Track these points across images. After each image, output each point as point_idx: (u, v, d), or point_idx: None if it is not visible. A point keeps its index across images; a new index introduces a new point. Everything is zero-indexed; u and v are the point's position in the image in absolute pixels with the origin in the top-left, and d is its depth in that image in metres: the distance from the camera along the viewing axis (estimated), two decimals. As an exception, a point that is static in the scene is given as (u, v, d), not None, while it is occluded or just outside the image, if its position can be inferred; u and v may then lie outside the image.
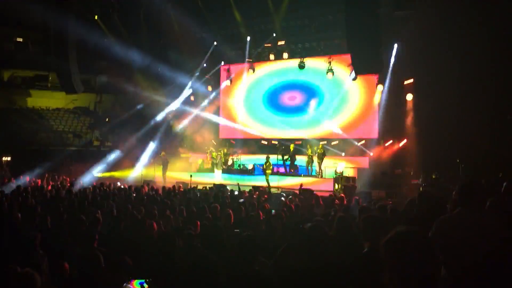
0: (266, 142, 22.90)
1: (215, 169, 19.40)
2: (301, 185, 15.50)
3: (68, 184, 14.88)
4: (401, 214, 5.39)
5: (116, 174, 20.20)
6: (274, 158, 20.39)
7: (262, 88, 23.30)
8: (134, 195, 11.53)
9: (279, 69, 22.73)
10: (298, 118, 22.11)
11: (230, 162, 21.00)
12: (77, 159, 20.51)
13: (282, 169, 20.22)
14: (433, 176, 15.37)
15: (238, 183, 16.53)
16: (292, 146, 20.05)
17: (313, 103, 21.62)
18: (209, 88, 24.17)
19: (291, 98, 22.57)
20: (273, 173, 19.55)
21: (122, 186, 14.35)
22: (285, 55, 21.15)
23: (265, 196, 12.02)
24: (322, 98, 21.62)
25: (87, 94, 26.15)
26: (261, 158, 20.62)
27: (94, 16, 19.93)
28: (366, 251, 3.69)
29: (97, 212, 7.50)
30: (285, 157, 20.04)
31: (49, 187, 14.19)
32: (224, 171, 20.08)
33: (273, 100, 23.06)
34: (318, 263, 3.30)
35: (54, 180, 17.03)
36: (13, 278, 3.31)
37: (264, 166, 18.19)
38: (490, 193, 3.52)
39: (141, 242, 5.78)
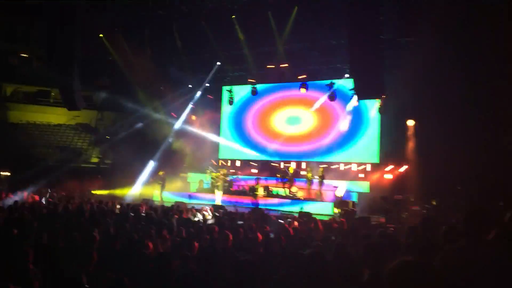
0: (265, 164, 22.84)
1: (216, 191, 19.16)
2: (301, 208, 15.43)
3: (65, 201, 14.73)
4: (402, 241, 5.30)
5: (114, 192, 20.09)
6: (273, 180, 20.38)
7: (264, 109, 23.36)
8: (132, 214, 11.40)
9: (281, 91, 22.81)
10: (299, 141, 22.12)
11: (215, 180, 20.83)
12: (76, 175, 20.40)
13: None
14: (433, 203, 15.27)
15: (235, 205, 16.45)
16: (291, 169, 19.97)
17: (316, 123, 21.69)
18: (211, 109, 24.24)
19: (293, 121, 22.59)
20: (271, 195, 19.49)
21: (119, 205, 14.23)
22: (288, 77, 21.25)
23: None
24: (324, 120, 21.67)
25: (88, 111, 26.22)
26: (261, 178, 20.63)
27: (99, 34, 20.08)
28: (366, 279, 3.62)
29: (95, 230, 7.40)
30: (285, 179, 19.93)
31: (45, 203, 14.09)
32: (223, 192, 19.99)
33: (275, 122, 23.12)
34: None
35: (52, 196, 16.92)
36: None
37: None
38: (493, 222, 3.44)
39: (137, 262, 5.68)
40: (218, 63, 22.04)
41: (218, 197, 18.86)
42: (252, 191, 18.40)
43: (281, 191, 19.97)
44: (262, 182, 19.92)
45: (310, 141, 21.80)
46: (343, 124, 20.87)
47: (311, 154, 21.59)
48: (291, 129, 22.53)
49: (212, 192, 20.13)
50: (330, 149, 21.06)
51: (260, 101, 23.36)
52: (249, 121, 23.74)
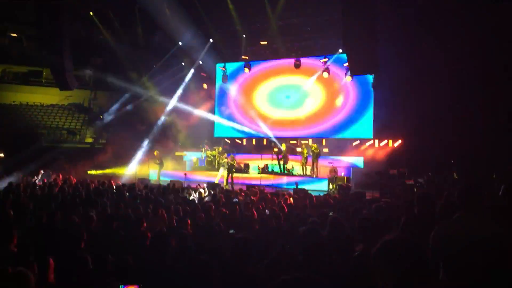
0: (260, 141, 22.86)
1: (221, 168, 18.73)
2: (297, 184, 15.50)
3: (60, 182, 14.72)
4: (398, 216, 5.36)
5: (109, 171, 20.08)
6: (268, 157, 20.42)
7: (257, 86, 23.24)
8: (128, 193, 11.43)
9: (274, 67, 22.68)
10: (292, 117, 22.09)
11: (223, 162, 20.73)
12: (71, 156, 20.35)
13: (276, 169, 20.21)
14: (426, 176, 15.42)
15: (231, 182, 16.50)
16: (284, 146, 19.92)
17: (308, 101, 21.64)
18: (205, 86, 24.05)
19: (286, 97, 22.52)
20: (267, 172, 19.56)
21: (116, 184, 14.24)
22: (281, 53, 21.09)
23: (257, 195, 11.97)
24: (317, 96, 21.62)
25: (81, 90, 25.95)
26: (255, 157, 20.66)
27: (89, 12, 19.77)
28: (357, 255, 3.67)
29: (92, 210, 7.43)
30: (280, 156, 19.96)
31: (41, 184, 14.08)
32: (218, 170, 20.05)
33: (268, 99, 23.02)
34: (312, 266, 3.27)
35: (48, 177, 16.91)
36: (5, 278, 3.22)
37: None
38: (487, 196, 3.49)
39: (134, 242, 5.72)
40: (211, 40, 21.83)
41: (219, 176, 18.56)
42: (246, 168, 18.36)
43: (276, 168, 20.04)
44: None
45: (306, 120, 21.78)
46: (338, 100, 20.88)
47: (306, 130, 21.62)
48: (286, 105, 22.46)
49: (208, 170, 20.21)
50: (326, 125, 21.08)
51: (253, 78, 23.22)
52: (242, 99, 23.62)
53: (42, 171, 17.38)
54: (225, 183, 17.76)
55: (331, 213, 6.86)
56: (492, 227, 3.13)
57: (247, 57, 22.12)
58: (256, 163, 20.59)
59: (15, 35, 26.75)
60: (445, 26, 15.49)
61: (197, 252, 4.69)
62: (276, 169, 20.10)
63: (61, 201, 9.37)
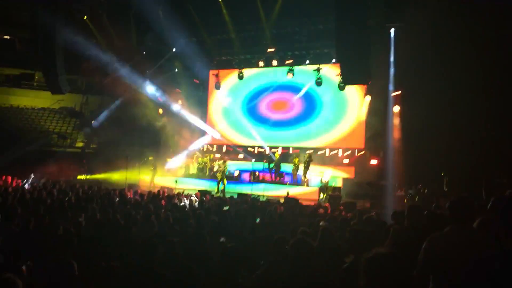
0: (252, 149, 22.87)
1: (219, 175, 18.52)
2: (287, 193, 15.50)
3: (49, 186, 14.58)
4: (387, 227, 5.37)
5: (99, 176, 19.93)
6: (260, 165, 20.41)
7: (251, 94, 23.26)
8: (117, 199, 11.35)
9: (268, 76, 22.73)
10: (285, 126, 22.13)
11: (215, 168, 20.62)
12: (61, 160, 20.17)
13: (268, 177, 20.18)
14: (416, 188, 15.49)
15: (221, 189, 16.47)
16: (277, 154, 19.97)
17: (302, 108, 21.71)
18: (198, 93, 24.04)
19: (280, 106, 22.54)
20: (258, 181, 19.54)
21: (106, 190, 14.13)
22: (275, 62, 21.17)
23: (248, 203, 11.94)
24: (310, 106, 21.68)
25: (73, 94, 25.86)
26: (247, 164, 20.62)
27: (83, 16, 19.72)
28: (346, 266, 3.67)
29: (81, 215, 7.37)
30: (271, 165, 19.97)
31: (30, 188, 13.95)
32: (209, 178, 20.02)
33: (261, 107, 23.05)
34: (301, 278, 3.26)
35: (37, 181, 16.75)
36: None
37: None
38: (476, 209, 3.51)
39: (122, 248, 5.67)
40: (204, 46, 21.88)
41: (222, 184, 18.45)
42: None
43: (267, 175, 20.07)
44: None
45: (296, 125, 21.82)
46: (330, 110, 20.96)
47: (297, 138, 21.66)
48: (277, 114, 22.49)
49: (199, 177, 20.19)
50: (316, 134, 21.13)
51: (247, 86, 23.25)
52: (236, 106, 23.62)
53: (32, 175, 17.22)
54: (216, 190, 17.74)
55: (321, 223, 6.86)
56: (482, 240, 3.15)
57: (241, 67, 22.18)
58: (247, 171, 20.54)
59: (7, 37, 26.65)
60: (441, 41, 15.65)
61: (186, 259, 4.65)
62: (267, 177, 20.10)
63: (50, 205, 9.28)
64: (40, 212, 7.83)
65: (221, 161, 18.88)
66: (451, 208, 3.35)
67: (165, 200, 11.32)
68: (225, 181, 18.30)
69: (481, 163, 14.88)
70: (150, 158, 20.31)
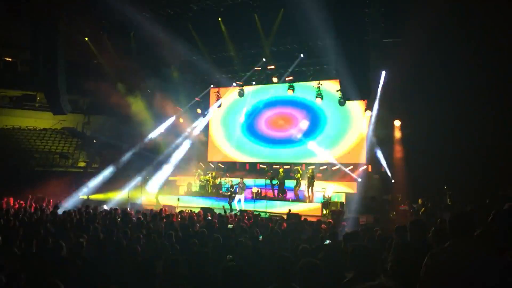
0: (254, 166, 22.88)
1: (237, 196, 18.37)
2: (289, 210, 15.45)
3: (51, 207, 14.54)
4: (390, 243, 5.34)
5: (102, 196, 19.89)
6: (262, 182, 20.37)
7: (251, 111, 23.31)
8: (119, 218, 11.32)
9: (268, 92, 22.80)
10: (287, 142, 22.12)
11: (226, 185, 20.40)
12: (63, 180, 20.15)
13: (270, 193, 20.15)
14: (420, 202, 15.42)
15: (223, 207, 16.40)
16: (281, 170, 19.96)
17: (303, 124, 21.68)
18: (198, 111, 24.08)
19: (280, 123, 22.56)
20: (261, 198, 19.49)
21: (108, 209, 14.11)
22: (275, 79, 21.27)
23: (251, 220, 11.91)
24: (311, 122, 21.69)
25: (75, 114, 25.98)
26: (250, 181, 20.55)
27: (84, 37, 19.90)
28: (345, 282, 3.65)
29: (83, 236, 7.35)
30: (274, 181, 19.93)
31: (32, 209, 13.92)
32: (212, 195, 19.98)
33: (262, 123, 23.09)
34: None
35: (39, 202, 16.70)
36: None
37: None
38: (476, 223, 3.51)
39: (124, 267, 5.64)
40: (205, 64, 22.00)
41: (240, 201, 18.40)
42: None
43: (270, 191, 20.07)
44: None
45: (298, 142, 21.79)
46: (332, 125, 20.97)
47: (299, 154, 21.64)
48: (278, 131, 22.49)
49: (201, 195, 20.17)
50: (318, 150, 21.10)
51: (247, 103, 23.31)
52: (237, 124, 23.67)
53: (35, 196, 17.20)
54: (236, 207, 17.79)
55: (327, 242, 6.82)
56: (483, 254, 3.15)
57: (241, 83, 22.28)
58: (249, 187, 20.45)
59: (9, 59, 26.89)
60: (440, 54, 15.73)
61: (188, 279, 4.62)
62: (270, 194, 20.07)
63: (52, 226, 9.26)
64: (42, 233, 7.80)
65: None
66: (451, 223, 3.37)
67: (166, 219, 11.28)
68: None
69: (485, 176, 14.86)
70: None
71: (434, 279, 3.08)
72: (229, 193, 18.38)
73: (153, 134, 22.97)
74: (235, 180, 19.35)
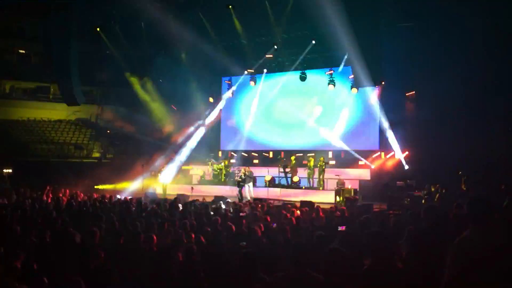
0: (267, 154, 22.89)
1: (247, 184, 18.31)
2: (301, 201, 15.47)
3: (67, 197, 14.65)
4: (404, 229, 5.31)
5: (117, 186, 20.07)
6: (275, 170, 20.37)
7: (264, 99, 23.23)
8: (134, 208, 11.42)
9: (280, 80, 22.69)
10: (299, 130, 22.01)
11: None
12: (78, 171, 20.36)
13: (283, 181, 20.17)
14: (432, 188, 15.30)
15: (237, 194, 16.43)
16: (293, 158, 19.96)
17: (316, 111, 21.56)
18: (211, 100, 24.06)
19: (293, 110, 22.45)
20: (274, 185, 19.52)
21: (122, 199, 14.23)
22: (286, 66, 21.12)
23: (264, 208, 11.92)
24: (323, 109, 21.56)
25: (88, 105, 26.22)
26: (263, 170, 20.56)
27: (96, 28, 19.95)
28: (365, 268, 3.65)
29: (99, 225, 7.42)
30: (287, 169, 19.93)
31: (49, 200, 14.10)
32: (224, 183, 20.05)
33: (274, 111, 23.01)
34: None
35: (55, 193, 16.88)
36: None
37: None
38: (494, 209, 3.48)
39: (140, 256, 5.70)
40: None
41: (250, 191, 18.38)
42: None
43: (283, 180, 20.06)
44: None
45: (313, 132, 21.68)
46: (344, 112, 20.83)
47: (312, 142, 21.55)
48: (291, 118, 22.38)
49: (215, 184, 20.26)
50: (330, 137, 20.99)
51: (259, 91, 23.22)
52: (249, 112, 23.61)
53: (50, 187, 17.38)
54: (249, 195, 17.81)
55: (339, 228, 6.81)
56: (502, 238, 3.13)
57: (252, 71, 22.18)
58: (263, 175, 20.46)
59: (23, 51, 27.15)
60: (453, 38, 15.52)
61: (203, 266, 4.65)
62: (283, 182, 20.08)
63: (69, 216, 9.37)
64: (59, 223, 7.90)
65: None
66: (471, 209, 3.33)
67: (181, 208, 11.35)
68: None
69: (500, 161, 14.69)
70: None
71: (464, 267, 3.07)
72: (238, 181, 18.38)
73: (165, 124, 23.00)
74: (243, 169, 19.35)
